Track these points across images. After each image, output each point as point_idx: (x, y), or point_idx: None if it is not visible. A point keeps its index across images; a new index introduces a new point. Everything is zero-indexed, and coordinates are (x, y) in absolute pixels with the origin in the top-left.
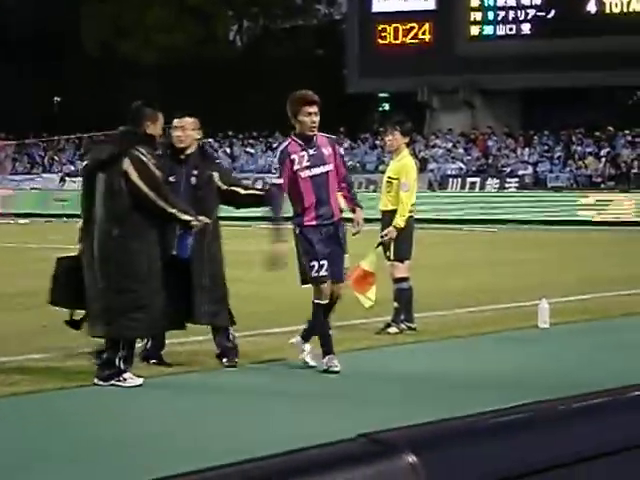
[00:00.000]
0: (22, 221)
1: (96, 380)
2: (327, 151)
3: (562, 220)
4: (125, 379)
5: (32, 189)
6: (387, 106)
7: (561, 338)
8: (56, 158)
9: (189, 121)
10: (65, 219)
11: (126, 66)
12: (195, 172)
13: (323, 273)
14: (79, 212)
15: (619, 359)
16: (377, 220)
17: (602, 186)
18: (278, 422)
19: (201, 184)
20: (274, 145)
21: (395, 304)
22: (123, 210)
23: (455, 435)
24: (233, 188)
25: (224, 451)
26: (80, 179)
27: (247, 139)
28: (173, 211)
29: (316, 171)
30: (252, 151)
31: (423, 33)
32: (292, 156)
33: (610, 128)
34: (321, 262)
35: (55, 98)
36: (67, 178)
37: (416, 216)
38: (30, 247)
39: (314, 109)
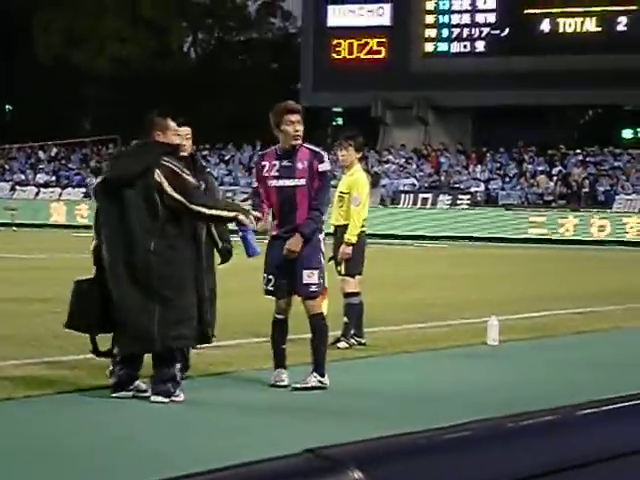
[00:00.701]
0: None
1: (154, 397)
2: (302, 165)
3: (513, 238)
4: (177, 394)
5: None
6: (340, 120)
7: (510, 355)
8: (7, 167)
9: (188, 130)
10: (14, 228)
11: (79, 76)
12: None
13: (269, 287)
14: (32, 222)
15: (568, 376)
16: (329, 234)
17: (553, 204)
18: (223, 434)
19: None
20: (226, 157)
21: (345, 319)
22: (158, 223)
23: (402, 452)
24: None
25: (163, 465)
26: (37, 189)
27: (200, 151)
28: (214, 212)
29: (283, 183)
30: (204, 163)
31: (378, 49)
32: (263, 163)
33: (562, 147)
34: (269, 276)
35: (7, 106)
36: (17, 187)
37: (368, 231)
38: None
39: (296, 117)
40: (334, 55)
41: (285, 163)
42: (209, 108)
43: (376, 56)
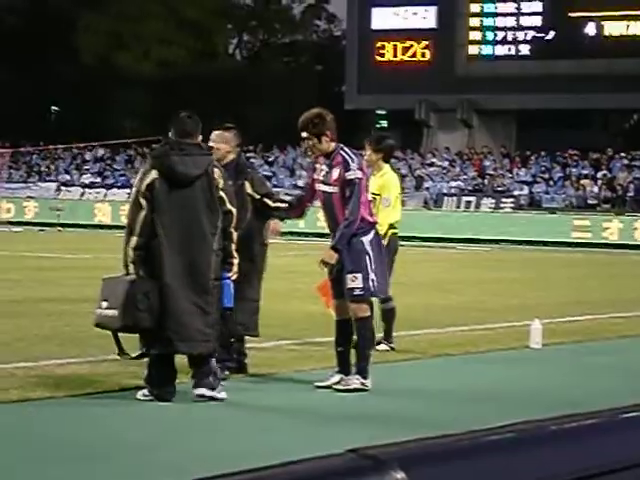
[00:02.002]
0: (16, 229)
1: (199, 390)
2: (336, 173)
3: (557, 241)
4: (220, 391)
5: (28, 197)
6: (385, 123)
7: (553, 359)
8: (52, 167)
9: (218, 134)
10: (59, 228)
11: (123, 78)
12: (230, 182)
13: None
14: (76, 222)
15: (610, 381)
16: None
17: (597, 208)
18: (267, 435)
19: (235, 194)
20: (270, 159)
21: (383, 324)
22: (219, 223)
23: (444, 452)
24: (264, 199)
25: (212, 464)
26: (82, 189)
27: (244, 152)
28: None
29: (324, 188)
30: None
31: (422, 51)
32: (316, 164)
33: (609, 150)
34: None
35: (52, 107)
36: (63, 187)
37: (410, 234)
38: (24, 255)
39: (303, 134)
40: (378, 58)
41: (327, 169)
42: (253, 110)
43: (421, 59)
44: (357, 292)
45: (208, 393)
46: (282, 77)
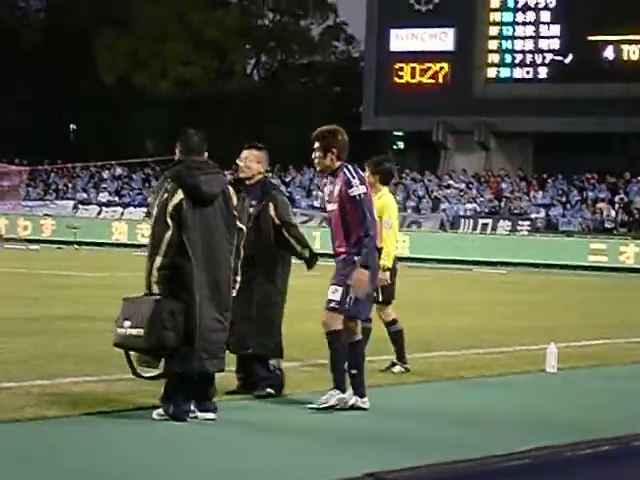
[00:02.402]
0: (33, 247)
1: (207, 415)
2: (337, 190)
3: (573, 265)
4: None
5: (45, 215)
6: (402, 144)
7: (568, 383)
8: (70, 185)
9: (253, 153)
10: (76, 246)
11: (142, 96)
12: (254, 202)
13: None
14: (93, 240)
15: (627, 406)
16: None
17: (614, 232)
18: (283, 457)
19: (258, 215)
20: (287, 179)
21: (394, 347)
22: (234, 240)
23: (459, 477)
24: (282, 228)
25: None
26: (99, 207)
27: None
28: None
29: (329, 207)
30: None
31: (440, 73)
32: (324, 188)
33: (626, 174)
34: None
35: (71, 126)
36: (80, 205)
37: (429, 256)
38: (41, 273)
39: (315, 145)
40: (396, 79)
41: (330, 187)
42: (270, 130)
43: (438, 81)
44: (333, 304)
45: (214, 417)
46: (299, 98)
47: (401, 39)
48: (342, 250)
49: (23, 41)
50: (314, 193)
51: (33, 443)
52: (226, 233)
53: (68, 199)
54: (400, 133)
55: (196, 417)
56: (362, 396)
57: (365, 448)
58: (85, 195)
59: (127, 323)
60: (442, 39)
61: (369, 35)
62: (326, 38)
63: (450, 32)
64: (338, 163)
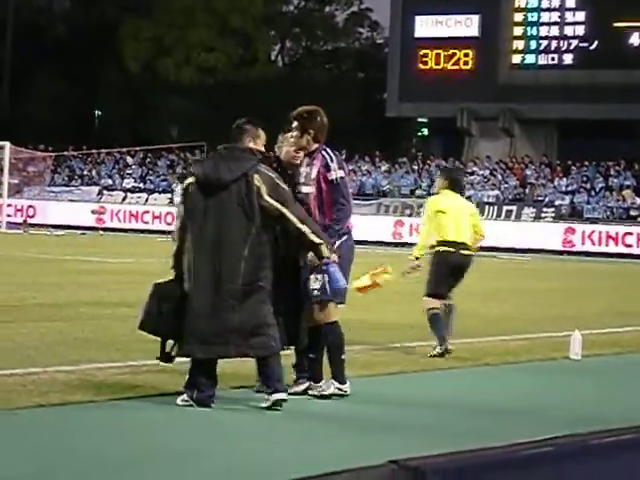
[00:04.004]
0: (58, 232)
1: (284, 395)
2: (315, 172)
3: (597, 252)
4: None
5: (70, 201)
6: (426, 131)
7: (593, 370)
8: (95, 171)
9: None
10: (101, 232)
11: (166, 83)
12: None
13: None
14: (118, 226)
15: None
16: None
17: (639, 219)
18: (306, 444)
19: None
20: None
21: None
22: (253, 229)
23: (484, 465)
24: None
25: (257, 472)
26: (124, 194)
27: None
28: (303, 228)
29: (304, 189)
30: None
31: (465, 60)
32: (300, 169)
33: None
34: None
35: (96, 112)
36: (105, 191)
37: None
38: (66, 259)
39: (293, 124)
40: (421, 65)
41: (306, 169)
42: None
43: (463, 67)
44: (315, 292)
45: (283, 396)
46: (324, 84)
47: (426, 25)
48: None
49: (48, 30)
50: None
51: (58, 428)
52: (241, 221)
53: (93, 185)
54: (424, 120)
55: (269, 400)
56: (317, 381)
57: (388, 435)
58: (110, 181)
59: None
60: (467, 25)
61: (394, 21)
62: (351, 24)
63: (475, 18)
64: (315, 145)
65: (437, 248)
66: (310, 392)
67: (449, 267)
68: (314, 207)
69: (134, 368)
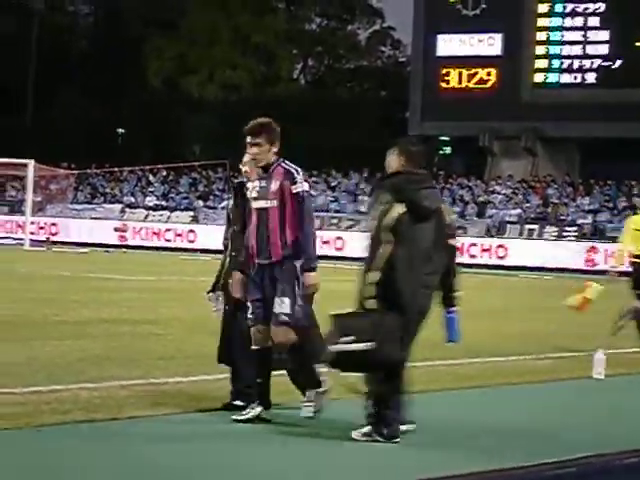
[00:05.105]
0: (81, 250)
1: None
2: (275, 186)
3: (620, 271)
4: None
5: (92, 219)
6: (449, 150)
7: (616, 390)
8: (117, 189)
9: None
10: (124, 250)
11: (189, 100)
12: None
13: (249, 316)
14: (140, 244)
15: None
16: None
17: None
18: (334, 457)
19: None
20: (333, 184)
21: None
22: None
23: None
24: None
25: None
26: (146, 211)
27: (307, 177)
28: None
29: (259, 204)
30: (313, 192)
31: (487, 78)
32: (248, 184)
33: None
34: (248, 304)
35: (119, 130)
36: (127, 209)
37: (468, 261)
38: (89, 276)
39: (254, 140)
40: (443, 84)
41: (263, 183)
42: (317, 134)
43: (485, 86)
44: (283, 318)
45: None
46: (346, 102)
47: (448, 44)
48: (278, 254)
49: (72, 45)
50: (360, 198)
51: (81, 445)
52: (435, 251)
53: (116, 203)
54: (446, 138)
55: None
56: (268, 407)
57: (411, 455)
58: (132, 199)
59: (347, 339)
60: (489, 44)
61: (416, 40)
62: (373, 43)
63: (498, 37)
64: (274, 157)
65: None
66: (236, 417)
67: None
68: (275, 222)
69: (156, 386)
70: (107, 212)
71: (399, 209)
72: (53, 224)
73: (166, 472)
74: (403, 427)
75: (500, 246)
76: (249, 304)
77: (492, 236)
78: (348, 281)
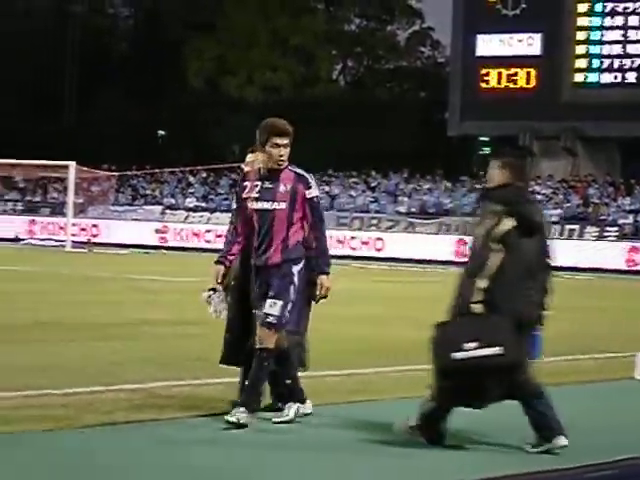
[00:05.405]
0: (122, 252)
1: None
2: (284, 188)
3: None
4: None
5: (133, 220)
6: (488, 150)
7: None
8: (158, 190)
9: None
10: (164, 251)
11: (229, 102)
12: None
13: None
14: (181, 245)
15: None
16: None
17: None
18: (376, 460)
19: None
20: (372, 184)
21: None
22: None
23: None
24: None
25: None
26: (186, 213)
27: (347, 177)
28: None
29: (262, 205)
30: (353, 193)
31: (527, 78)
32: (245, 183)
33: None
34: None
35: (159, 132)
36: (168, 211)
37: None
38: (131, 277)
39: (284, 141)
40: (482, 84)
41: (267, 185)
42: (356, 134)
43: (525, 86)
44: (271, 319)
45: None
46: (385, 103)
47: (487, 44)
48: (277, 257)
49: (112, 48)
50: (400, 199)
51: (124, 446)
52: (538, 268)
53: (156, 204)
54: (486, 138)
55: None
56: (303, 401)
57: (457, 455)
58: (173, 200)
59: (472, 344)
60: (529, 44)
61: (455, 40)
62: (412, 43)
63: (537, 37)
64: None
65: None
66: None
67: None
68: (281, 225)
69: (195, 387)
70: (147, 213)
71: (509, 222)
72: (94, 226)
73: (210, 472)
74: None
75: None
76: (256, 311)
77: None
78: (388, 282)
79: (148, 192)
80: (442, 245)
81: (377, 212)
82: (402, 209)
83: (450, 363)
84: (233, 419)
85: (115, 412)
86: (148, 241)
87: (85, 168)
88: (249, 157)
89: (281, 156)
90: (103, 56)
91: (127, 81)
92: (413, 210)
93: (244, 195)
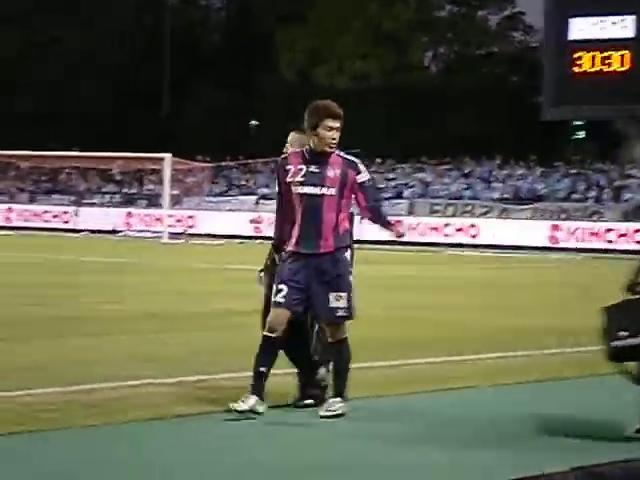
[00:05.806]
0: (216, 242)
1: None
2: (333, 173)
3: None
4: None
5: (228, 210)
6: (582, 134)
7: None
8: (252, 181)
9: None
10: (260, 241)
11: (320, 91)
12: None
13: (279, 299)
14: (276, 235)
15: None
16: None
17: None
18: (455, 452)
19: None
20: (466, 171)
21: None
22: None
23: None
24: None
25: None
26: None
27: (440, 165)
28: None
29: (309, 190)
30: (447, 180)
31: (621, 61)
32: (287, 167)
33: None
34: (281, 286)
35: (251, 122)
36: (262, 201)
37: (605, 246)
38: (227, 268)
39: (337, 124)
40: (575, 68)
41: (313, 169)
42: (449, 121)
43: (619, 68)
44: (341, 313)
45: None
46: (477, 89)
47: (580, 27)
48: (330, 244)
49: (205, 39)
50: (493, 185)
51: (197, 437)
52: None
53: (250, 194)
54: (580, 122)
55: None
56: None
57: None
58: (266, 190)
59: (624, 334)
60: (623, 26)
61: (547, 24)
62: (504, 28)
63: (629, 19)
64: None
65: None
66: (321, 413)
67: None
68: (331, 211)
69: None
70: (241, 204)
71: None
72: (190, 217)
73: (283, 465)
74: None
75: (637, 230)
76: (282, 286)
77: (630, 220)
78: (486, 269)
79: (242, 182)
80: (536, 231)
81: (471, 199)
82: (496, 195)
83: (612, 351)
84: (329, 412)
85: (218, 400)
86: (243, 231)
87: (180, 159)
88: (292, 136)
89: (333, 139)
90: (196, 48)
91: (219, 72)
92: (507, 196)
93: (287, 179)
